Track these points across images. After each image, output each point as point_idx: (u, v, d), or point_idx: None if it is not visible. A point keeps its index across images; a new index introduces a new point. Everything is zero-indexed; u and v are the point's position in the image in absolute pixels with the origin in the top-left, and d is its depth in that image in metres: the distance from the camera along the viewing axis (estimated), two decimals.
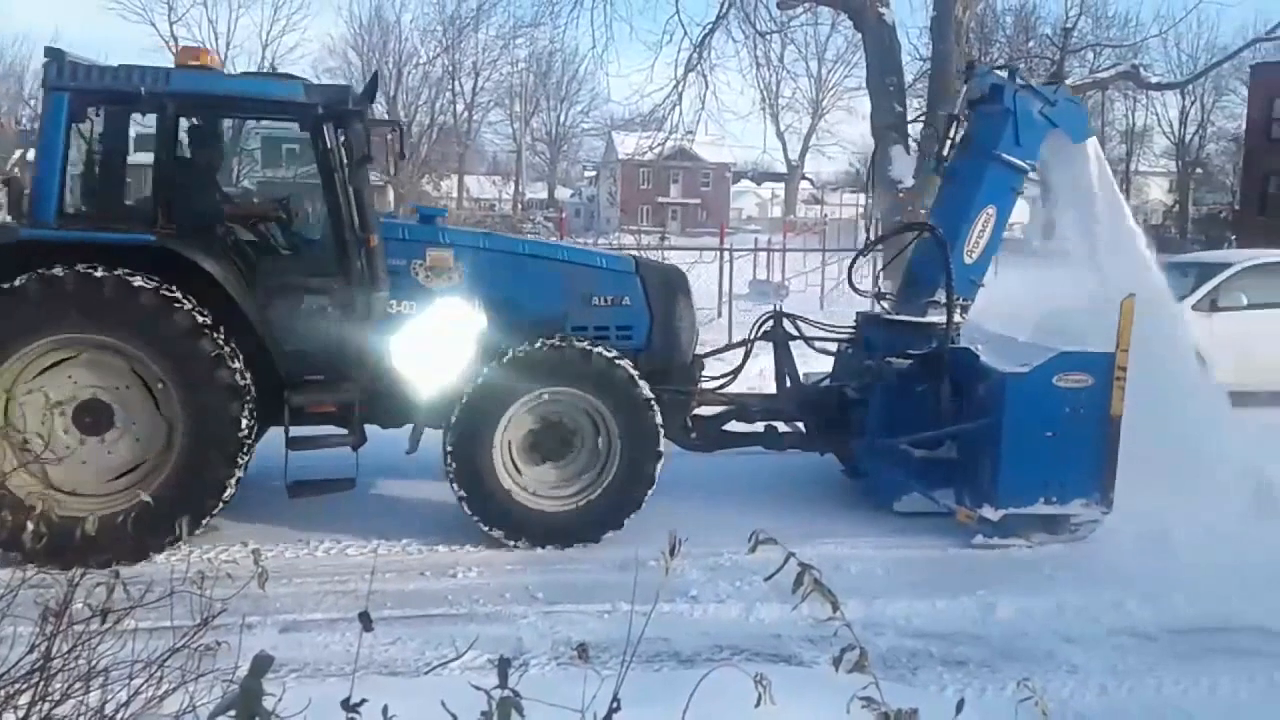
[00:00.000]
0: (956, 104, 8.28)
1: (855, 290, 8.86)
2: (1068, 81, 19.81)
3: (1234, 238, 40.93)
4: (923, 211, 10.85)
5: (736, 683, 2.53)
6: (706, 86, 18.90)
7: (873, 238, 8.86)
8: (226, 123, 7.61)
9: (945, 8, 15.65)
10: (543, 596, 6.11)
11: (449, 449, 6.74)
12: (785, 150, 70.76)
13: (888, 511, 7.71)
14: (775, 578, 2.43)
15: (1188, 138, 55.29)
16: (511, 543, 6.87)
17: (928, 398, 7.64)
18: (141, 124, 6.80)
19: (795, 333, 8.41)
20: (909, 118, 17.08)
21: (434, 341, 6.74)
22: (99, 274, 6.06)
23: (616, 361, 6.88)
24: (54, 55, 6.40)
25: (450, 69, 29.13)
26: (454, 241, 7.14)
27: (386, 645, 5.32)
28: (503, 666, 2.23)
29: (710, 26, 18.38)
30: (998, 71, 8.40)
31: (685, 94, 18.86)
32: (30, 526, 3.79)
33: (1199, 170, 57.30)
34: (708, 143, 65.04)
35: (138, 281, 6.09)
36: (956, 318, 7.84)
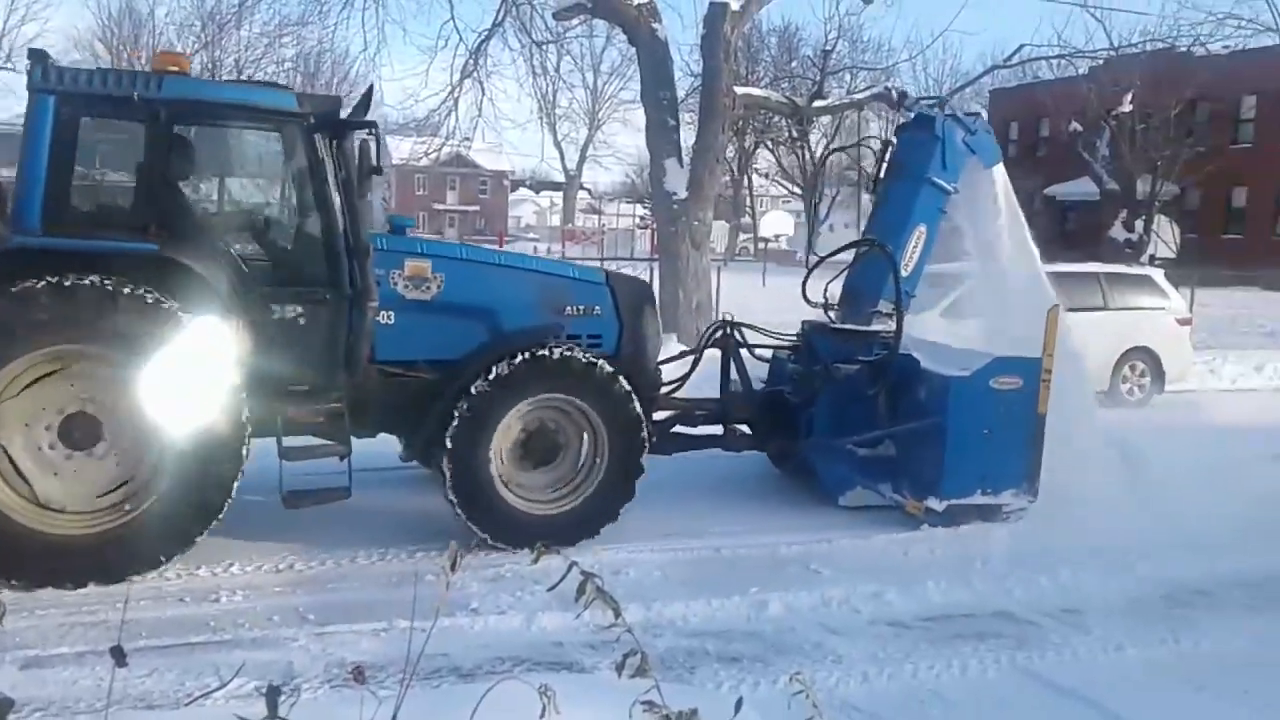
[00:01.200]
0: (888, 130, 8.87)
1: (808, 302, 9.07)
2: (827, 101, 20.89)
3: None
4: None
5: (520, 695, 2.52)
6: (483, 93, 18.75)
7: (816, 252, 9.34)
8: (215, 130, 7.32)
9: (714, 27, 16.15)
10: (314, 617, 5.88)
11: (448, 460, 6.76)
12: (563, 159, 71.23)
13: (661, 515, 7.83)
14: (557, 587, 2.43)
15: None
16: (509, 548, 6.85)
17: (872, 400, 8.21)
18: (116, 130, 6.68)
19: (741, 340, 8.68)
20: (682, 131, 17.53)
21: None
22: (108, 285, 5.86)
23: (593, 362, 7.08)
24: (38, 57, 6.19)
25: (210, 67, 27.62)
26: (432, 252, 7.21)
27: (142, 678, 4.96)
28: (271, 694, 2.13)
29: (486, 34, 18.26)
30: (925, 103, 9.19)
31: (461, 100, 18.68)
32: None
33: None
34: (485, 150, 64.58)
35: (145, 293, 5.93)
36: (882, 325, 8.48)
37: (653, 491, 8.11)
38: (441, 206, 78.09)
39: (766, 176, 61.64)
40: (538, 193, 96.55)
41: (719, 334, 8.68)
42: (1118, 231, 30.97)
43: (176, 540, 6.17)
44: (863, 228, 9.52)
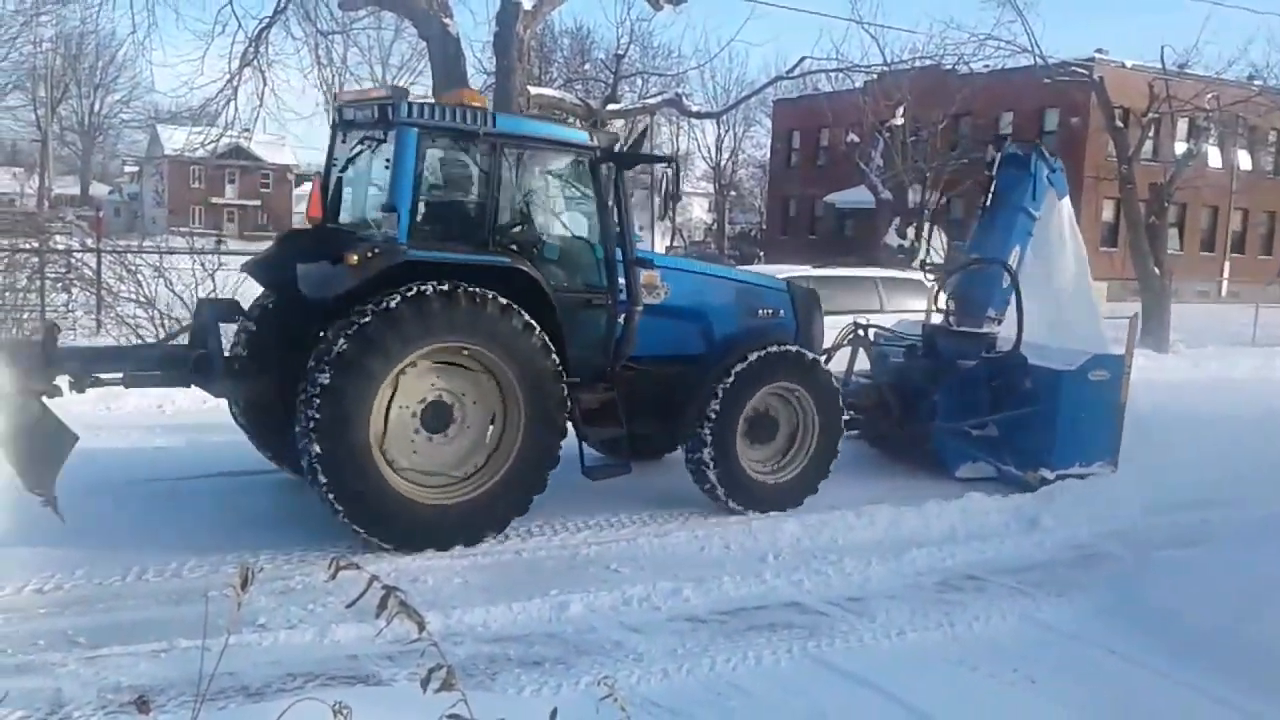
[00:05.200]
0: (989, 166, 10.66)
1: (938, 310, 10.79)
2: (620, 105, 21.15)
3: (762, 254, 45.75)
4: None
5: (315, 714, 2.41)
6: (264, 83, 17.94)
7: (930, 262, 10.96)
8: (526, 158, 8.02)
9: (507, 25, 16.06)
10: (85, 640, 5.46)
11: (710, 438, 8.02)
12: None
13: None
14: (356, 602, 2.34)
15: (723, 163, 61.01)
16: (746, 511, 8.23)
17: (983, 390, 9.77)
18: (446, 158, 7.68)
19: (870, 340, 10.30)
20: None
21: None
22: (485, 293, 6.86)
23: (815, 357, 8.73)
24: (399, 94, 7.27)
25: None
26: (660, 264, 8.33)
27: None
28: None
29: (267, 21, 17.48)
30: (1022, 144, 10.90)
31: (241, 90, 17.82)
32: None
33: (733, 193, 63.45)
34: (267, 142, 61.69)
35: (504, 301, 6.93)
36: (996, 329, 10.11)
37: None
38: (220, 200, 74.43)
39: None
40: None
41: (852, 333, 10.31)
42: (891, 238, 32.70)
43: (517, 507, 7.29)
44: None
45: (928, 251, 31.86)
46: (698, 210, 73.57)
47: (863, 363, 10.63)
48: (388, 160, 7.17)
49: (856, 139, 35.86)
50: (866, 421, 9.80)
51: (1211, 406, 10.61)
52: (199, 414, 10.65)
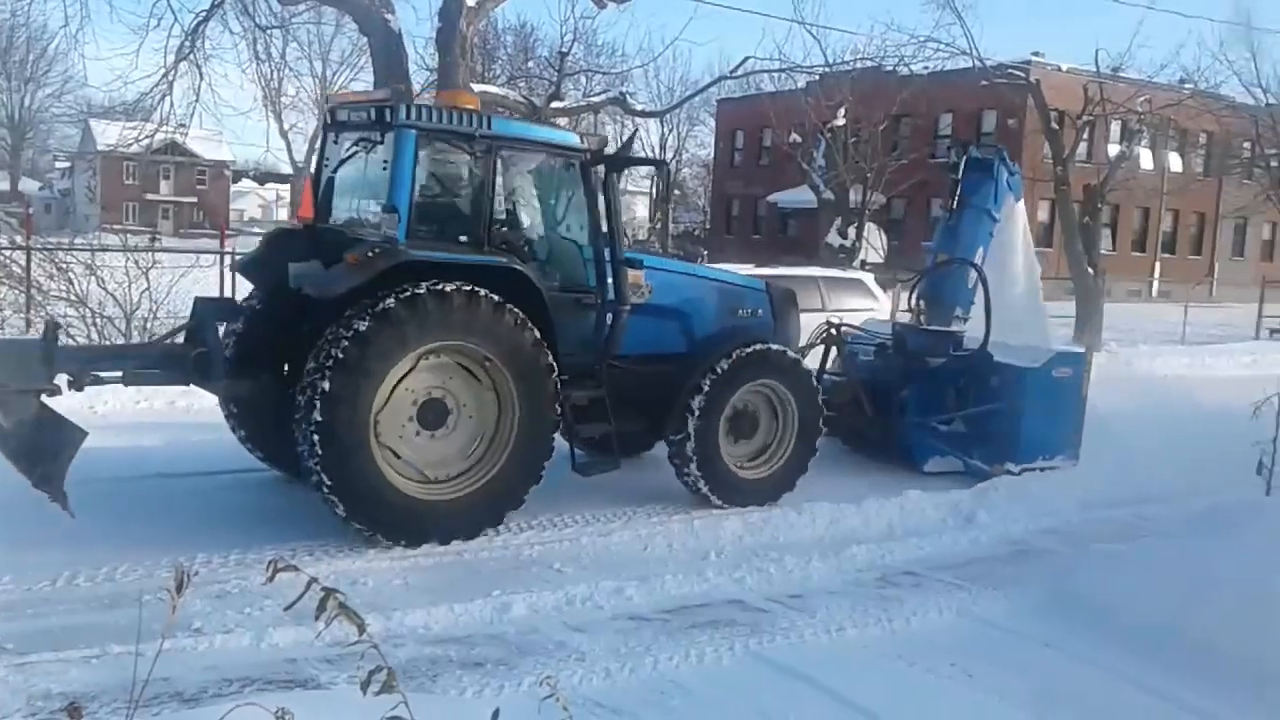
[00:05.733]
0: (953, 169, 10.94)
1: (911, 310, 11.08)
2: (564, 103, 21.10)
3: (705, 253, 45.90)
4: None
5: (254, 719, 2.38)
6: (201, 78, 17.64)
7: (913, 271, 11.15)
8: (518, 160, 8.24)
9: (450, 21, 15.95)
10: (13, 646, 5.32)
11: (693, 435, 8.23)
12: (290, 150, 68.07)
13: None
14: (295, 604, 2.31)
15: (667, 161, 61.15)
16: (729, 507, 8.38)
17: (949, 386, 10.20)
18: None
19: (843, 338, 10.53)
20: None
21: None
22: (479, 291, 7.00)
23: (795, 356, 9.09)
24: (399, 97, 7.15)
25: None
26: (645, 264, 8.36)
27: None
28: None
29: (204, 14, 17.19)
30: (985, 149, 11.39)
31: (176, 84, 17.49)
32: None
33: (677, 192, 63.65)
34: (204, 138, 60.72)
35: (497, 299, 7.07)
36: (961, 327, 10.41)
37: None
38: (154, 197, 72.91)
39: None
40: (263, 184, 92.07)
41: (826, 333, 10.56)
42: (833, 238, 33.00)
43: (510, 501, 7.41)
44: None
45: (867, 251, 32.29)
46: (641, 209, 73.71)
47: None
48: (385, 161, 7.28)
49: (799, 139, 36.10)
50: (840, 418, 9.91)
51: (1143, 404, 10.85)
52: (134, 414, 10.45)
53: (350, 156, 7.89)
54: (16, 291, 14.81)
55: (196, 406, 9.44)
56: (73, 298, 13.38)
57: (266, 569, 2.43)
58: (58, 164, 77.38)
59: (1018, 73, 26.57)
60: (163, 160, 64.05)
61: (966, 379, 10.19)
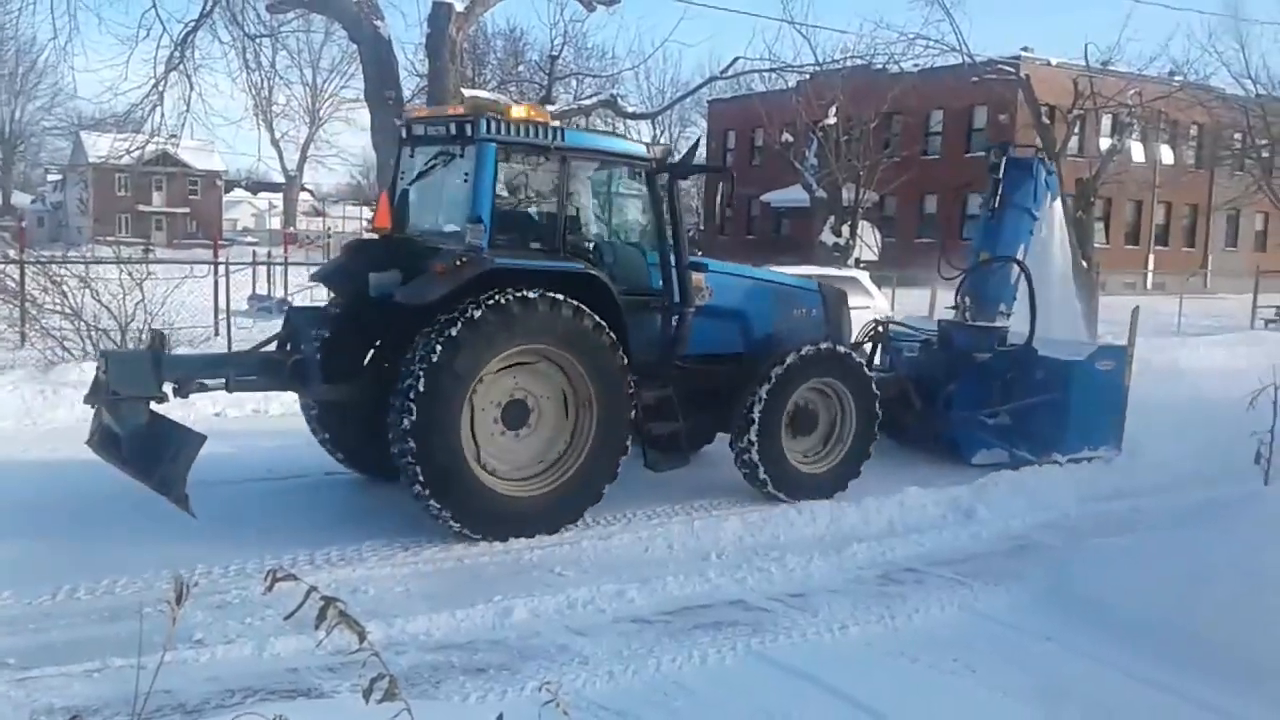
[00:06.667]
0: (994, 169, 11.04)
1: (955, 307, 11.08)
2: (555, 106, 21.08)
3: (700, 253, 45.90)
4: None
5: None
6: (191, 88, 17.63)
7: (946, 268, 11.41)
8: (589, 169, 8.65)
9: (439, 27, 15.96)
10: (15, 661, 5.30)
11: (757, 432, 8.54)
12: (282, 159, 68.16)
13: (401, 528, 7.62)
14: (295, 613, 2.30)
15: None
16: (789, 500, 8.58)
17: (995, 380, 10.37)
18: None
19: (890, 335, 11.07)
20: None
21: None
22: (559, 297, 7.32)
23: (852, 354, 9.44)
24: (479, 111, 7.66)
25: None
26: (712, 269, 8.89)
27: None
28: None
29: (193, 24, 17.18)
30: (1023, 149, 11.79)
31: (167, 94, 17.49)
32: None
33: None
34: (195, 148, 60.73)
35: (576, 304, 7.40)
36: (1005, 323, 10.67)
37: (392, 506, 7.92)
38: (147, 208, 72.89)
39: None
40: (255, 194, 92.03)
41: (874, 329, 11.06)
42: (827, 236, 33.03)
43: (589, 497, 7.76)
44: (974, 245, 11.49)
45: (862, 249, 32.32)
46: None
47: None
48: (466, 174, 7.62)
49: (791, 138, 36.12)
50: (888, 413, 9.98)
51: (1139, 397, 10.85)
52: None
53: (428, 169, 8.22)
54: (11, 305, 14.79)
55: (193, 417, 9.42)
56: (67, 310, 13.35)
57: (265, 579, 2.43)
58: (49, 177, 77.37)
59: (1007, 68, 26.62)
60: (154, 171, 64.11)
61: (1012, 373, 10.43)
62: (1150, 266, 45.75)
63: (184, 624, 5.64)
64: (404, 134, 8.52)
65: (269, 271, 25.90)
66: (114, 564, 6.59)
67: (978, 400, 10.43)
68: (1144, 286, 43.12)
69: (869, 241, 33.49)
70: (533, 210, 8.24)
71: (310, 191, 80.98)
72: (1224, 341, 21.80)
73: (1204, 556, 6.19)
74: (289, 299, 23.80)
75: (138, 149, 19.91)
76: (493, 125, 7.53)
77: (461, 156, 7.77)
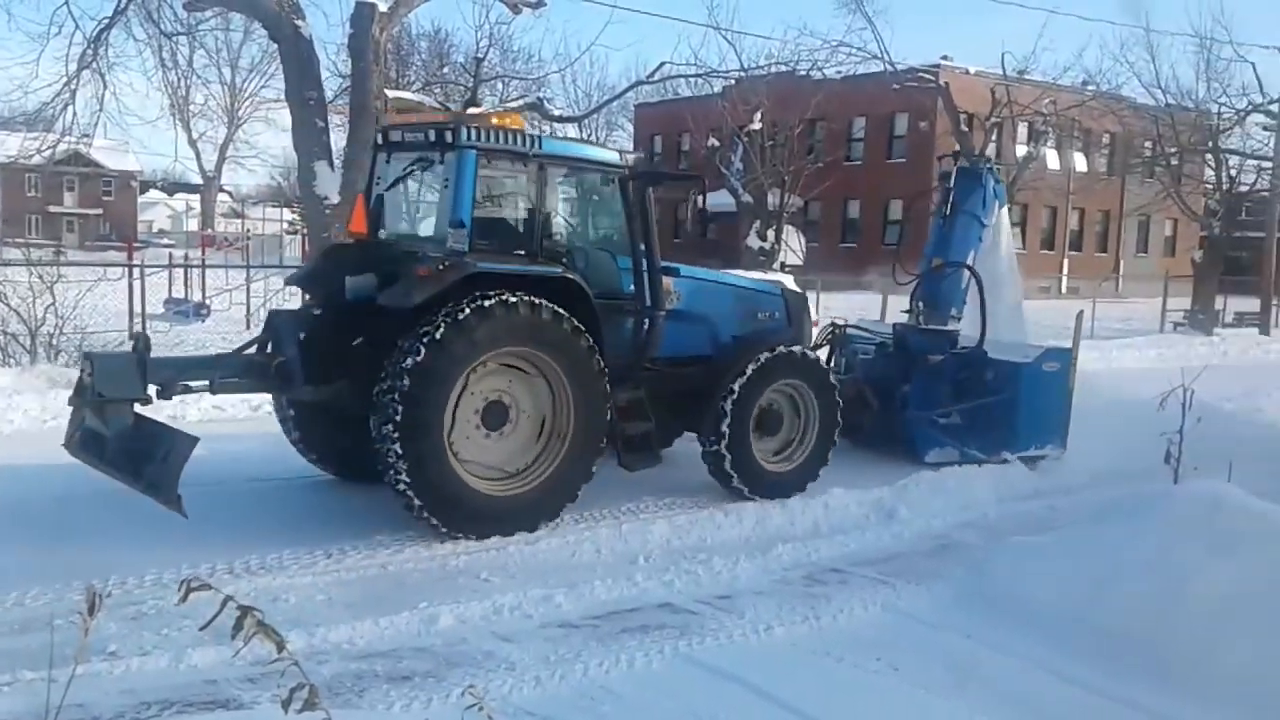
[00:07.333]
0: (945, 178, 11.50)
1: (910, 311, 11.39)
2: (480, 108, 20.96)
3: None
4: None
5: None
6: (104, 86, 17.16)
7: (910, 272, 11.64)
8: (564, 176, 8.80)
9: (362, 27, 15.74)
10: None
11: (728, 432, 8.71)
12: (199, 160, 66.75)
13: (322, 533, 7.50)
14: (211, 623, 2.25)
15: None
16: (757, 499, 8.78)
17: (946, 382, 10.70)
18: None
19: (846, 338, 11.43)
20: (332, 134, 16.95)
21: None
22: (539, 301, 7.48)
23: (817, 356, 9.86)
24: (459, 119, 7.16)
25: None
26: (678, 273, 9.11)
27: None
28: None
29: (107, 22, 16.73)
30: (974, 159, 12.27)
31: (79, 93, 16.99)
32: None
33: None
34: (109, 148, 59.15)
35: (554, 307, 7.55)
36: (956, 326, 10.97)
37: (314, 509, 7.80)
38: (58, 209, 70.88)
39: None
40: (171, 195, 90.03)
41: (831, 332, 11.45)
42: (753, 240, 33.36)
43: (566, 497, 7.87)
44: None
45: (787, 253, 32.68)
46: None
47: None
48: (446, 180, 7.82)
49: (717, 143, 36.41)
50: (846, 413, 10.12)
51: None
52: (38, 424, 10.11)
53: (405, 175, 8.37)
54: None
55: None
56: None
57: (180, 589, 2.37)
58: None
59: (928, 76, 27.19)
60: (66, 171, 62.36)
61: (964, 374, 10.76)
62: (1065, 271, 47.04)
63: (97, 635, 5.48)
64: (380, 140, 8.64)
65: (186, 274, 25.33)
66: (24, 575, 6.37)
67: (931, 401, 10.74)
68: (1059, 290, 44.30)
69: (794, 246, 33.92)
70: (510, 216, 8.43)
71: (229, 193, 79.43)
72: (1135, 344, 22.51)
73: (1116, 554, 6.36)
74: (207, 302, 23.34)
75: (49, 148, 19.31)
76: (472, 133, 7.70)
77: (441, 163, 7.93)
